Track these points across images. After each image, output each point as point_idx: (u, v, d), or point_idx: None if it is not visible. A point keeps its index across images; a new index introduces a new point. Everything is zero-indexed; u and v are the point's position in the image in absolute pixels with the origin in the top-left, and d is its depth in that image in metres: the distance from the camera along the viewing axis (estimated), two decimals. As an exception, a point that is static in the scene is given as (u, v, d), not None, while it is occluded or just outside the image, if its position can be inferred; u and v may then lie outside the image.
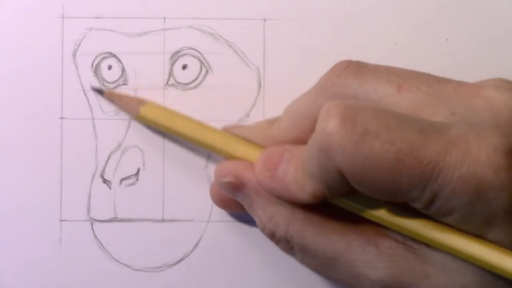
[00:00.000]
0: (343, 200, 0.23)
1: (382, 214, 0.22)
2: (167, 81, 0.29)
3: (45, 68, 0.29)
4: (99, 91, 0.29)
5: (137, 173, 0.29)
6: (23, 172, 0.29)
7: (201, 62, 0.29)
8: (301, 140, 0.24)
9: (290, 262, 0.29)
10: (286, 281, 0.29)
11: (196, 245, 0.29)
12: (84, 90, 0.29)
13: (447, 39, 0.29)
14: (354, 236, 0.22)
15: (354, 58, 0.29)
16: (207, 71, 0.29)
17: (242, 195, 0.25)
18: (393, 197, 0.20)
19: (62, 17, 0.30)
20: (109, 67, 0.29)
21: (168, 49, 0.29)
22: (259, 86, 0.29)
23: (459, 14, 0.29)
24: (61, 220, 0.29)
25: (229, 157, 0.26)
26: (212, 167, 0.29)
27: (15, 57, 0.29)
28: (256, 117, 0.29)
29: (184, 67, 0.29)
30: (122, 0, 0.29)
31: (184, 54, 0.29)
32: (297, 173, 0.22)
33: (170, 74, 0.29)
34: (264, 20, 0.29)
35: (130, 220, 0.29)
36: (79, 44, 0.29)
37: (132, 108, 0.28)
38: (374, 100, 0.22)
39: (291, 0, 0.29)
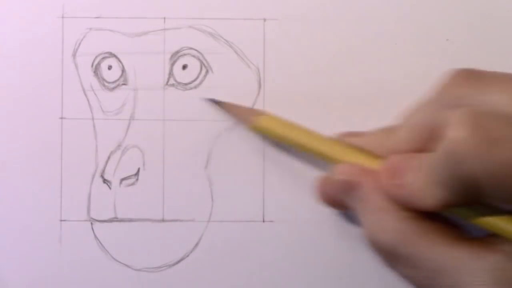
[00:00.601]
0: (465, 210, 0.22)
1: (503, 223, 0.22)
2: (167, 81, 0.29)
3: (45, 68, 0.29)
4: (218, 103, 0.29)
5: (137, 173, 0.29)
6: (23, 172, 0.29)
7: (201, 62, 0.29)
8: (419, 151, 0.24)
9: (290, 263, 0.29)
10: (286, 281, 0.29)
11: (196, 245, 0.29)
12: (84, 90, 0.30)
13: (447, 39, 0.29)
14: (463, 248, 0.22)
15: (354, 58, 0.29)
16: (207, 71, 0.29)
17: (354, 197, 0.25)
18: None
19: (62, 17, 0.30)
20: (109, 67, 0.30)
21: (168, 49, 0.29)
22: (259, 86, 0.29)
23: (459, 14, 0.29)
24: (61, 220, 0.29)
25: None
26: (212, 167, 0.29)
27: (15, 57, 0.29)
28: (256, 117, 0.29)
29: (184, 67, 0.29)
30: (122, 0, 0.30)
31: (184, 54, 0.29)
32: (425, 181, 0.22)
33: (170, 74, 0.29)
34: (264, 20, 0.29)
35: (130, 220, 0.29)
36: (79, 44, 0.29)
37: (248, 118, 0.28)
38: (496, 108, 0.22)
39: (291, 0, 0.29)
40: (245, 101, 0.29)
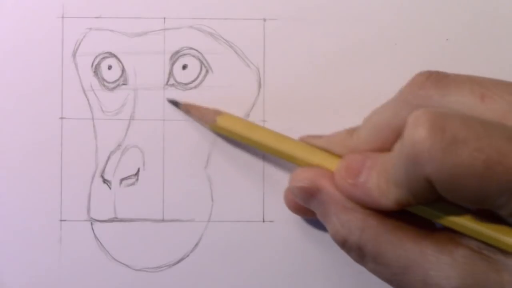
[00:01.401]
0: (423, 208, 0.22)
1: (462, 221, 0.22)
2: (167, 81, 0.29)
3: (45, 68, 0.29)
4: (175, 103, 0.29)
5: (137, 173, 0.29)
6: (23, 172, 0.29)
7: (201, 62, 0.29)
8: (380, 151, 0.24)
9: (290, 263, 0.29)
10: (286, 281, 0.29)
11: (196, 245, 0.29)
12: (84, 90, 0.30)
13: (447, 39, 0.29)
14: (428, 244, 0.22)
15: (354, 58, 0.29)
16: (207, 71, 0.29)
17: (316, 202, 0.25)
18: (480, 204, 0.20)
19: (62, 17, 0.30)
20: (109, 67, 0.30)
21: (168, 49, 0.29)
22: (259, 86, 0.29)
23: (459, 14, 0.29)
24: (61, 220, 0.29)
25: (306, 166, 0.26)
26: (212, 167, 0.29)
27: (15, 57, 0.29)
28: (256, 117, 0.29)
29: (184, 67, 0.29)
30: (122, 0, 0.30)
31: (184, 54, 0.29)
32: (380, 180, 0.22)
33: (170, 74, 0.29)
34: (264, 20, 0.29)
35: (130, 220, 0.29)
36: (79, 44, 0.29)
37: (209, 118, 0.28)
38: (455, 109, 0.22)
39: (291, 0, 0.29)
40: (245, 101, 0.29)
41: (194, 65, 0.29)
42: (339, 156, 0.25)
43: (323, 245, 0.29)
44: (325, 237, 0.29)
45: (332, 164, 0.25)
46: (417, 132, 0.20)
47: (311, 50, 0.29)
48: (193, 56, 0.29)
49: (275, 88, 0.29)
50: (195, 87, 0.29)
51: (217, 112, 0.28)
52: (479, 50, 0.29)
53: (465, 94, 0.22)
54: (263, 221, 0.29)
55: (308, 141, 0.27)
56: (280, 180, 0.29)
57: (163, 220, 0.29)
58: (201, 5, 0.29)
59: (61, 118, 0.29)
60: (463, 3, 0.29)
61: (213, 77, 0.29)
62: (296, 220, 0.29)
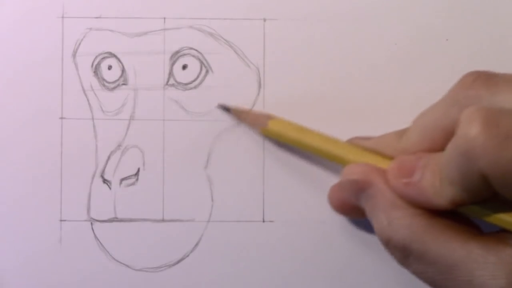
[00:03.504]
0: (474, 208, 0.22)
1: None
2: (167, 81, 0.29)
3: (45, 68, 0.29)
4: (226, 109, 0.29)
5: (137, 173, 0.29)
6: (23, 172, 0.29)
7: (201, 62, 0.29)
8: (431, 152, 0.24)
9: (290, 263, 0.29)
10: (286, 281, 0.29)
11: (196, 245, 0.29)
12: (84, 90, 0.30)
13: (447, 39, 0.29)
14: (475, 244, 0.22)
15: (354, 58, 0.29)
16: (207, 71, 0.29)
17: (365, 196, 0.25)
18: None
19: (62, 17, 0.30)
20: (109, 67, 0.30)
21: (168, 49, 0.29)
22: (259, 86, 0.29)
23: (459, 14, 0.29)
24: (61, 220, 0.29)
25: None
26: (212, 167, 0.29)
27: (15, 57, 0.29)
28: (256, 117, 0.29)
29: (184, 67, 0.29)
30: (122, 0, 0.30)
31: (184, 54, 0.29)
32: (435, 179, 0.22)
33: (170, 74, 0.29)
34: (264, 20, 0.29)
35: (130, 220, 0.29)
36: (79, 44, 0.29)
37: (260, 122, 0.28)
38: (507, 107, 0.22)
39: (291, 0, 0.29)
40: (245, 101, 0.29)
41: (194, 65, 0.29)
42: (389, 157, 0.25)
43: (323, 245, 0.29)
44: (325, 237, 0.29)
45: (383, 164, 0.25)
46: (471, 128, 0.20)
47: (311, 50, 0.29)
48: (193, 56, 0.29)
49: (275, 88, 0.29)
50: (195, 87, 0.29)
51: (268, 117, 0.28)
52: (479, 50, 0.29)
53: None
54: (263, 221, 0.29)
55: (356, 143, 0.27)
56: (280, 180, 0.29)
57: (163, 220, 0.29)
58: (201, 5, 0.29)
59: (61, 118, 0.29)
60: (463, 3, 0.29)
61: (213, 77, 0.29)
62: (296, 220, 0.29)
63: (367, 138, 0.27)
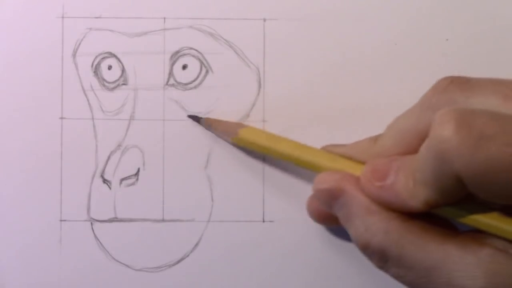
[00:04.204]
0: (448, 209, 0.22)
1: (488, 220, 0.22)
2: (167, 81, 0.29)
3: (45, 68, 0.29)
4: (196, 118, 0.29)
5: (137, 173, 0.29)
6: (23, 172, 0.29)
7: (201, 62, 0.29)
8: None
9: (290, 263, 0.29)
10: (286, 281, 0.29)
11: (196, 245, 0.29)
12: (84, 90, 0.30)
13: (447, 39, 0.29)
14: (452, 245, 0.22)
15: (354, 58, 0.29)
16: (207, 71, 0.29)
17: (339, 205, 0.25)
18: (510, 199, 0.20)
19: (62, 17, 0.30)
20: (109, 67, 0.30)
21: (168, 49, 0.29)
22: (259, 86, 0.29)
23: (459, 14, 0.29)
24: (61, 220, 0.29)
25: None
26: (212, 167, 0.29)
27: (15, 57, 0.29)
28: (256, 117, 0.29)
29: (184, 67, 0.29)
30: (122, 0, 0.30)
31: (184, 54, 0.29)
32: (408, 181, 0.22)
33: (170, 74, 0.29)
34: (264, 20, 0.29)
35: (130, 220, 0.29)
36: (79, 44, 0.29)
37: (231, 132, 0.28)
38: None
39: (291, 0, 0.29)
40: (245, 101, 0.29)
41: (194, 65, 0.29)
42: (362, 163, 0.25)
43: (323, 245, 0.29)
44: (325, 237, 0.29)
45: (356, 170, 0.25)
46: (444, 130, 0.20)
47: (311, 50, 0.29)
48: (193, 56, 0.29)
49: (275, 88, 0.29)
50: (195, 87, 0.29)
51: (239, 125, 0.28)
52: (479, 50, 0.29)
53: (489, 96, 0.22)
54: (263, 221, 0.29)
55: (330, 150, 0.27)
56: (280, 180, 0.29)
57: (163, 220, 0.29)
58: (201, 5, 0.29)
59: (61, 118, 0.29)
60: (463, 3, 0.29)
61: (213, 77, 0.29)
62: (296, 220, 0.29)
63: (342, 145, 0.27)
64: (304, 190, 0.29)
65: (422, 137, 0.22)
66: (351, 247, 0.29)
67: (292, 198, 0.29)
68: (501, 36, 0.29)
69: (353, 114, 0.29)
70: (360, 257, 0.29)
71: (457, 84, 0.23)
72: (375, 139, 0.25)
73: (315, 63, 0.29)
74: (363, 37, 0.29)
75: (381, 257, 0.23)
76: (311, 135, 0.29)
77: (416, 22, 0.29)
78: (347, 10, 0.29)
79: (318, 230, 0.29)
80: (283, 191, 0.29)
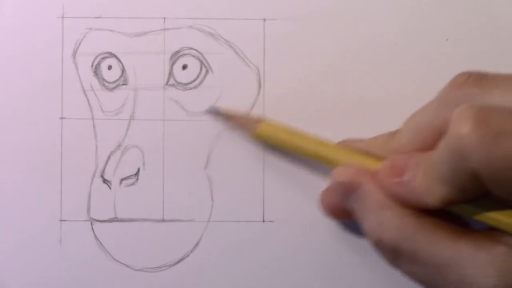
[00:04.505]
0: (463, 206, 0.22)
1: (503, 217, 0.22)
2: (167, 81, 0.29)
3: (45, 68, 0.29)
4: (215, 112, 0.29)
5: (137, 173, 0.29)
6: (23, 172, 0.29)
7: (201, 62, 0.29)
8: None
9: (290, 263, 0.29)
10: (286, 281, 0.29)
11: (196, 245, 0.29)
12: (84, 90, 0.30)
13: (447, 39, 0.29)
14: (465, 242, 0.22)
15: (353, 58, 0.29)
16: (207, 71, 0.29)
17: (355, 198, 0.25)
18: None
19: (62, 17, 0.30)
20: (109, 67, 0.30)
21: (168, 49, 0.29)
22: (259, 86, 0.29)
23: (459, 14, 0.29)
24: (61, 220, 0.29)
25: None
26: (212, 167, 0.29)
27: (15, 57, 0.29)
28: (256, 117, 0.29)
29: (184, 67, 0.29)
30: (122, 0, 0.30)
31: (184, 54, 0.29)
32: (426, 178, 0.22)
33: (170, 74, 0.29)
34: (264, 20, 0.29)
35: (130, 220, 0.29)
36: (79, 44, 0.29)
37: (250, 126, 0.28)
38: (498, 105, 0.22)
39: (291, 0, 0.29)
40: (245, 101, 0.29)
41: (194, 65, 0.29)
42: (380, 158, 0.25)
43: (323, 245, 0.29)
44: (325, 237, 0.29)
45: (373, 165, 0.25)
46: (462, 126, 0.20)
47: (311, 50, 0.29)
48: (193, 56, 0.29)
49: (275, 88, 0.29)
50: (195, 87, 0.29)
51: (258, 120, 0.28)
52: (479, 50, 0.29)
53: (506, 92, 0.22)
54: (263, 221, 0.29)
55: (348, 145, 0.27)
56: (280, 180, 0.29)
57: (163, 220, 0.29)
58: (201, 5, 0.29)
59: (61, 118, 0.29)
60: (463, 3, 0.29)
61: (213, 77, 0.29)
62: (296, 220, 0.29)
63: (359, 140, 0.27)
64: (304, 190, 0.29)
65: (439, 133, 0.22)
66: (351, 247, 0.29)
67: (292, 198, 0.29)
68: (501, 36, 0.29)
69: (353, 114, 0.29)
70: (360, 257, 0.29)
71: (474, 80, 0.23)
72: (393, 134, 0.25)
73: (315, 63, 0.29)
74: (363, 37, 0.29)
75: (393, 253, 0.23)
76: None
77: (416, 22, 0.29)
78: (347, 10, 0.29)
79: (318, 230, 0.29)
80: (283, 191, 0.29)
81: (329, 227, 0.29)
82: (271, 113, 0.29)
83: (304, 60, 0.29)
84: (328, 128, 0.29)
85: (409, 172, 0.23)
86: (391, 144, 0.25)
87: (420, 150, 0.24)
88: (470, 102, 0.22)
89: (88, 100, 0.29)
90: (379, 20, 0.29)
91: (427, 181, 0.22)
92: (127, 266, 0.29)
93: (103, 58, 0.30)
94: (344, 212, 0.26)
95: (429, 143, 0.23)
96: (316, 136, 0.27)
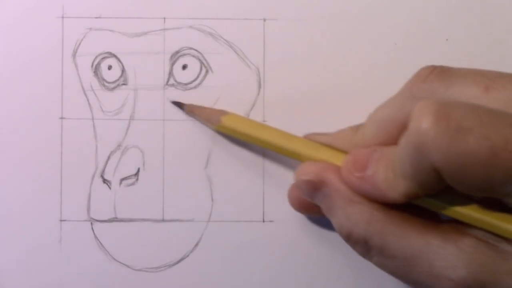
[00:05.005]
0: (429, 200, 0.22)
1: (468, 211, 0.22)
2: (167, 81, 0.29)
3: (45, 68, 0.29)
4: (178, 105, 0.29)
5: (137, 173, 0.29)
6: (23, 172, 0.29)
7: (201, 62, 0.29)
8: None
9: (290, 263, 0.29)
10: (286, 281, 0.29)
11: (196, 245, 0.29)
12: (84, 90, 0.30)
13: (447, 39, 0.29)
14: (433, 235, 0.22)
15: (353, 58, 0.29)
16: (207, 71, 0.29)
17: (321, 196, 0.25)
18: (487, 192, 0.20)
19: (62, 17, 0.30)
20: (109, 67, 0.30)
21: (168, 49, 0.29)
22: (259, 86, 0.29)
23: (459, 14, 0.29)
24: (61, 220, 0.29)
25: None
26: (212, 167, 0.29)
27: (15, 57, 0.29)
28: (256, 117, 0.29)
29: (184, 67, 0.29)
30: (122, 0, 0.30)
31: (184, 54, 0.29)
32: (388, 173, 0.22)
33: (170, 74, 0.29)
34: (264, 20, 0.29)
35: (130, 220, 0.29)
36: (79, 44, 0.29)
37: (214, 119, 0.28)
38: (459, 100, 0.22)
39: (291, 0, 0.29)
40: (245, 101, 0.29)
41: (194, 65, 0.29)
42: (344, 152, 0.25)
43: (323, 245, 0.29)
44: (325, 236, 0.29)
45: (337, 159, 0.25)
46: (422, 122, 0.20)
47: (311, 50, 0.29)
48: (193, 56, 0.29)
49: (275, 88, 0.29)
50: (195, 87, 0.29)
51: (222, 112, 0.28)
52: (479, 50, 0.29)
53: (469, 86, 0.22)
54: (263, 221, 0.29)
55: (313, 138, 0.27)
56: (280, 180, 0.29)
57: (163, 220, 0.29)
58: (201, 5, 0.29)
59: (61, 118, 0.29)
60: (463, 3, 0.29)
61: (213, 77, 0.29)
62: (296, 220, 0.29)
63: (324, 134, 0.27)
64: (304, 190, 0.29)
65: (403, 127, 0.22)
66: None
67: (292, 198, 0.29)
68: (501, 36, 0.29)
69: (353, 114, 0.29)
70: (360, 257, 0.29)
71: (437, 73, 0.23)
72: (357, 128, 0.25)
73: (315, 63, 0.29)
74: (363, 37, 0.29)
75: (364, 247, 0.23)
76: (311, 135, 0.29)
77: (416, 22, 0.29)
78: (347, 10, 0.29)
79: (318, 230, 0.29)
80: (283, 191, 0.29)
81: (329, 227, 0.29)
82: (271, 113, 0.29)
83: (304, 60, 0.29)
84: (328, 128, 0.29)
85: (371, 166, 0.23)
86: (355, 138, 0.25)
87: (384, 143, 0.24)
88: (433, 96, 0.22)
89: (88, 100, 0.29)
90: (379, 20, 0.29)
91: (389, 176, 0.22)
92: (127, 266, 0.29)
93: (103, 58, 0.30)
94: (312, 207, 0.26)
95: (393, 137, 0.23)
96: (282, 130, 0.27)
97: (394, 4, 0.29)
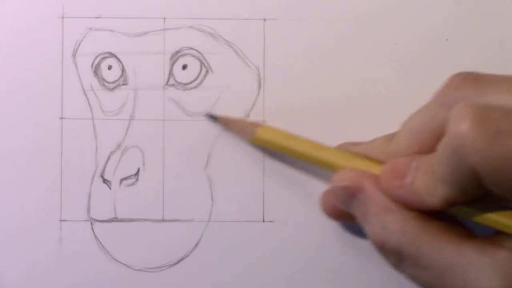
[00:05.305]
0: (466, 209, 0.22)
1: (505, 220, 0.22)
2: (167, 81, 0.29)
3: (45, 68, 0.29)
4: (213, 117, 0.29)
5: (137, 173, 0.29)
6: (23, 172, 0.29)
7: (201, 62, 0.29)
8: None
9: (290, 263, 0.29)
10: (286, 281, 0.29)
11: (196, 245, 0.29)
12: (84, 90, 0.30)
13: (447, 39, 0.29)
14: (468, 246, 0.22)
15: (353, 58, 0.29)
16: (207, 71, 0.29)
17: (357, 203, 0.24)
18: None
19: (62, 17, 0.30)
20: (109, 67, 0.30)
21: (168, 49, 0.29)
22: (259, 86, 0.29)
23: (459, 14, 0.29)
24: (61, 220, 0.29)
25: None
26: (212, 167, 0.29)
27: (15, 57, 0.29)
28: (256, 117, 0.29)
29: (184, 67, 0.29)
30: (122, 0, 0.30)
31: (184, 54, 0.29)
32: (427, 180, 0.22)
33: (170, 74, 0.29)
34: (264, 20, 0.29)
35: (130, 220, 0.29)
36: (79, 44, 0.30)
37: (248, 131, 0.28)
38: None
39: (291, 0, 0.29)
40: (245, 101, 0.29)
41: (194, 65, 0.29)
42: (379, 161, 0.25)
43: (323, 245, 0.29)
44: (325, 237, 0.29)
45: (372, 169, 0.25)
46: (461, 125, 0.20)
47: (311, 50, 0.29)
48: (193, 56, 0.29)
49: (275, 88, 0.29)
50: (195, 87, 0.29)
51: (256, 124, 0.28)
52: (479, 50, 0.29)
53: (503, 93, 0.22)
54: (263, 221, 0.29)
55: (346, 148, 0.27)
56: (280, 180, 0.29)
57: (163, 220, 0.29)
58: (201, 5, 0.29)
59: (61, 118, 0.29)
60: (463, 3, 0.29)
61: (213, 77, 0.29)
62: (296, 220, 0.29)
63: (357, 144, 0.27)
64: (304, 190, 0.29)
65: (437, 135, 0.22)
66: (351, 247, 0.29)
67: (292, 198, 0.29)
68: (501, 36, 0.29)
69: (353, 114, 0.29)
70: (360, 257, 0.29)
71: (470, 81, 0.23)
72: (390, 137, 0.25)
73: (315, 63, 0.29)
74: (363, 37, 0.29)
75: (397, 257, 0.23)
76: (311, 135, 0.29)
77: (416, 22, 0.29)
78: (347, 10, 0.29)
79: (318, 230, 0.29)
80: (283, 191, 0.29)
81: (329, 227, 0.29)
82: (271, 113, 0.29)
83: (304, 60, 0.29)
84: (328, 128, 0.29)
85: (410, 174, 0.23)
86: (390, 148, 0.25)
87: (419, 152, 0.23)
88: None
89: (88, 100, 0.29)
90: (379, 20, 0.29)
91: (428, 182, 0.22)
92: (127, 266, 0.29)
93: (103, 58, 0.30)
94: (345, 214, 0.26)
95: (428, 146, 0.23)
96: (314, 140, 0.27)
97: (394, 4, 0.29)
